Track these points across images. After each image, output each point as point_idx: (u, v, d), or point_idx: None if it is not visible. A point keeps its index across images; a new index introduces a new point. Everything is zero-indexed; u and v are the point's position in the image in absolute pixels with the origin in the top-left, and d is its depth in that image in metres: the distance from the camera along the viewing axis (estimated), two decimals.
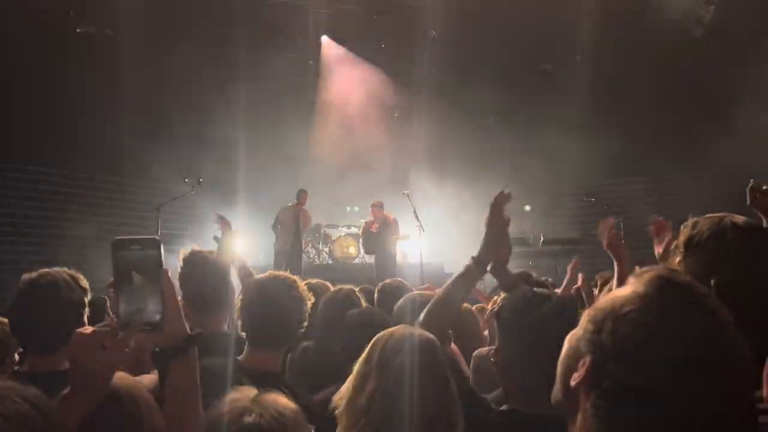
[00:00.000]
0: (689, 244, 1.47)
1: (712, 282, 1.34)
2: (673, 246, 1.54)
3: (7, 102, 9.17)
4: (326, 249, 11.96)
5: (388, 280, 3.93)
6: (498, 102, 12.38)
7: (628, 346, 0.81)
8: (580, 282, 2.78)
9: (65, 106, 9.69)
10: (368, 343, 1.68)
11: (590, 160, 11.65)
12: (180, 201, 10.22)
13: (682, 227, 1.53)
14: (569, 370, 0.90)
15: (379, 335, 1.67)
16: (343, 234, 11.95)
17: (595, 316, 0.88)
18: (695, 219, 1.52)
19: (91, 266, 2.95)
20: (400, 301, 2.73)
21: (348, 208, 13.37)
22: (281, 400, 1.32)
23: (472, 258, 1.85)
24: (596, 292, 2.85)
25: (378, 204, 10.25)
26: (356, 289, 3.11)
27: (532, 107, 12.04)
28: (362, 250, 11.08)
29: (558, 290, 2.90)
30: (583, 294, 2.66)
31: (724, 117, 9.16)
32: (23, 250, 9.76)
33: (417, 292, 3.04)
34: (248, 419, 1.25)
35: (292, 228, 10.19)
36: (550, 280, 3.64)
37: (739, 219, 1.47)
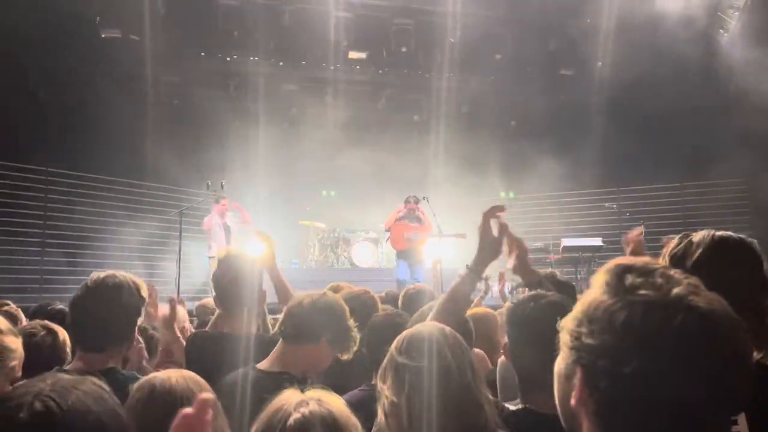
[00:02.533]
0: (672, 260, 1.53)
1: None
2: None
3: (32, 105, 9.36)
4: (345, 253, 12.00)
5: (412, 285, 3.98)
6: (518, 106, 12.36)
7: (609, 339, 0.82)
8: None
9: (89, 110, 9.86)
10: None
11: (611, 167, 11.56)
12: (202, 204, 10.33)
13: (664, 239, 1.56)
14: (566, 397, 0.90)
15: (398, 338, 1.69)
16: (361, 239, 11.97)
17: (571, 329, 0.89)
18: (683, 234, 1.56)
19: (114, 269, 3.00)
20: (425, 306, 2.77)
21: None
22: (327, 393, 1.39)
23: (467, 265, 2.04)
24: None
25: (416, 199, 9.71)
26: (381, 293, 3.14)
27: (552, 112, 11.98)
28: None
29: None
30: None
31: (747, 125, 9.03)
32: (46, 252, 9.96)
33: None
34: (306, 409, 1.30)
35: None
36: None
37: (721, 234, 1.53)
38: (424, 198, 9.58)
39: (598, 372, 0.83)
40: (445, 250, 9.67)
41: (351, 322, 2.36)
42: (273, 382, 2.03)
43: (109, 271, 2.22)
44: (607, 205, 11.16)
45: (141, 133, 10.48)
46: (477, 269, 2.01)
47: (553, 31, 11.51)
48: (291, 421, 1.28)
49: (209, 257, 9.47)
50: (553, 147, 11.24)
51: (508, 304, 2.57)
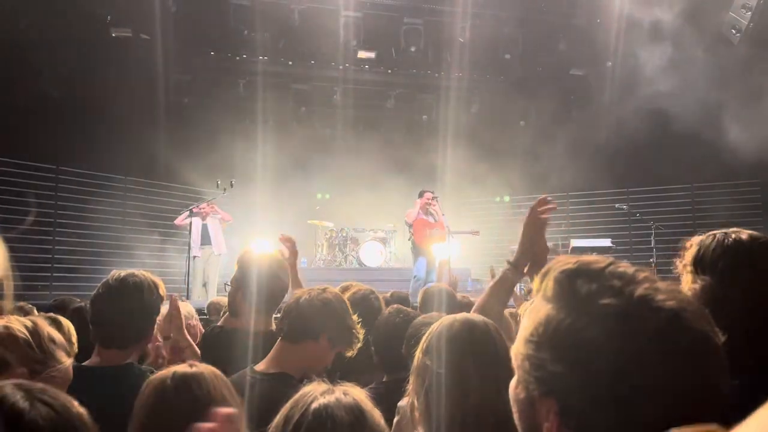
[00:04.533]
0: (698, 262, 1.47)
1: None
2: (681, 265, 1.52)
3: (42, 104, 9.41)
4: (353, 253, 12.00)
5: (433, 284, 3.97)
6: (528, 106, 12.30)
7: (582, 364, 0.72)
8: None
9: (99, 108, 9.90)
10: (402, 342, 1.71)
11: (621, 167, 11.49)
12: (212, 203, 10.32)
13: (687, 245, 1.52)
14: (532, 426, 0.80)
15: (426, 335, 1.67)
16: (369, 238, 11.96)
17: (528, 354, 0.79)
18: (703, 236, 1.52)
19: (123, 267, 3.02)
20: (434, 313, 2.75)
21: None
22: (353, 385, 1.40)
23: (508, 262, 1.95)
24: None
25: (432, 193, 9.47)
26: (386, 293, 3.13)
27: (562, 112, 11.92)
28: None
29: None
30: None
31: (760, 123, 8.95)
32: (56, 249, 10.01)
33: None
34: (331, 396, 1.32)
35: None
36: None
37: (745, 234, 1.47)
38: (434, 197, 9.51)
39: (575, 402, 0.73)
40: (453, 250, 9.54)
41: (353, 318, 2.31)
42: (269, 384, 2.02)
43: (129, 270, 2.25)
44: (617, 205, 11.08)
45: (151, 131, 10.51)
46: (518, 264, 1.95)
47: (563, 31, 11.46)
48: (315, 404, 1.29)
49: (194, 257, 9.25)
50: (562, 147, 11.18)
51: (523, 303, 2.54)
